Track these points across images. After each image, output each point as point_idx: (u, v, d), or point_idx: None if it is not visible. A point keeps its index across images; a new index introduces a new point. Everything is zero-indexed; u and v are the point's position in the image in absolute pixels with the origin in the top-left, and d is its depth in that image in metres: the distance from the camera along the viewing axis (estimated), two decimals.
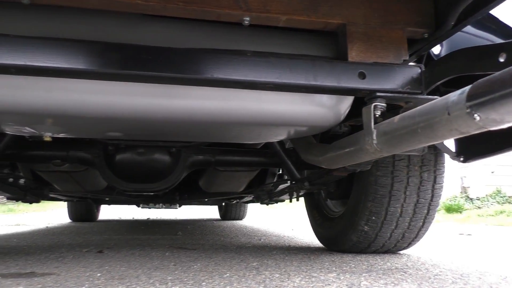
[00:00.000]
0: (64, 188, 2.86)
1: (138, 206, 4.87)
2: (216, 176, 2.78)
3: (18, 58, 1.06)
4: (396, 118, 1.08)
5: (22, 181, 2.50)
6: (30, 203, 2.79)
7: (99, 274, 1.45)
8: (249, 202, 4.28)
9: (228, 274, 1.46)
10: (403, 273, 1.54)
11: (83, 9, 1.19)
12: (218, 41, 1.27)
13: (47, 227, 4.42)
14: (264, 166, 2.52)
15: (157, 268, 1.60)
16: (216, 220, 6.14)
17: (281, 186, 2.82)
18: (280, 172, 3.00)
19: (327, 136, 1.86)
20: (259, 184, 2.97)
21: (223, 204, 5.43)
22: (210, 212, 8.17)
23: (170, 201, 3.92)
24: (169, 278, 1.38)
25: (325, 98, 1.37)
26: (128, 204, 4.62)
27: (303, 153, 1.85)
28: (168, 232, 3.76)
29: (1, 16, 1.16)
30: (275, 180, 2.93)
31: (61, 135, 1.50)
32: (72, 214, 5.29)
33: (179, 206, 5.15)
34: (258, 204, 4.66)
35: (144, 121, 1.35)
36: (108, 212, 6.83)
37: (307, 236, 3.38)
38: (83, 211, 5.23)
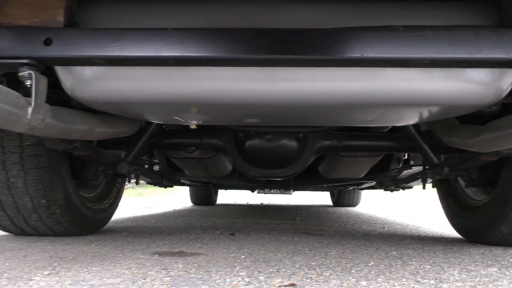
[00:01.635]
0: (193, 173, 3.05)
1: (253, 191, 5.02)
2: (337, 161, 2.72)
3: (176, 50, 1.11)
4: None
5: (156, 167, 2.72)
6: (165, 187, 3.02)
7: (243, 256, 1.50)
8: (368, 189, 4.14)
9: (372, 263, 1.40)
10: None
11: None
12: (364, 18, 1.20)
13: (174, 209, 4.80)
14: (394, 151, 2.40)
15: (295, 253, 1.61)
16: (329, 206, 6.09)
17: (405, 172, 2.66)
18: (406, 157, 2.83)
19: (466, 117, 1.67)
20: (381, 169, 2.84)
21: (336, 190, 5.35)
22: (321, 198, 8.13)
23: (285, 186, 3.97)
24: (313, 263, 1.37)
25: (484, 73, 1.22)
26: (245, 189, 4.79)
27: (446, 136, 1.69)
28: (286, 217, 3.81)
29: (158, 11, 1.23)
30: (400, 166, 2.78)
31: (204, 123, 1.57)
32: (194, 198, 5.66)
33: (293, 192, 5.20)
34: (368, 190, 4.51)
35: (284, 106, 1.35)
36: (224, 197, 7.18)
37: (434, 225, 3.16)
38: (203, 196, 5.57)
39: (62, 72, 1.30)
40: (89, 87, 1.29)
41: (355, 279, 1.12)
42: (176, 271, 1.21)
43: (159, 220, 3.22)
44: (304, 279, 1.11)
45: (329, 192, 5.96)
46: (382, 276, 1.17)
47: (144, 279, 1.09)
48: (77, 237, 1.97)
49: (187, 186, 4.37)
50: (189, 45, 1.11)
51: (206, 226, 2.72)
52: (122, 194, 2.56)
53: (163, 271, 1.20)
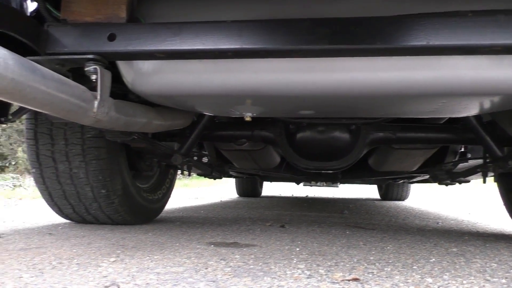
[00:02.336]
0: (242, 165, 3.08)
1: (298, 184, 4.99)
2: (389, 154, 2.65)
3: (235, 42, 1.11)
4: None
5: (205, 159, 2.76)
6: (214, 179, 3.06)
7: (298, 249, 1.49)
8: (419, 182, 4.00)
9: (433, 259, 1.35)
10: None
11: None
12: (428, 4, 1.15)
13: (221, 201, 4.86)
14: (453, 143, 2.29)
15: (349, 247, 1.58)
16: (376, 200, 5.95)
17: (461, 165, 2.54)
18: (463, 150, 2.70)
19: None
20: (436, 162, 2.73)
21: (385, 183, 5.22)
22: (367, 191, 7.98)
23: (332, 179, 3.91)
24: (371, 258, 1.34)
25: None
26: (291, 181, 4.77)
27: (511, 127, 1.60)
28: (333, 211, 3.76)
29: (215, 4, 1.24)
30: (456, 159, 2.66)
31: (259, 115, 1.57)
32: (240, 190, 5.72)
33: (340, 185, 5.13)
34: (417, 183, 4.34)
35: (342, 97, 1.32)
36: (269, 189, 7.20)
37: (491, 221, 3.01)
38: (249, 188, 5.61)
39: (123, 67, 1.34)
40: (149, 81, 1.32)
41: (420, 276, 1.08)
42: (235, 261, 1.22)
43: (208, 211, 3.28)
44: (365, 274, 1.09)
45: (376, 185, 5.82)
46: (447, 274, 1.12)
47: (206, 268, 1.11)
48: (133, 226, 2.04)
49: (234, 178, 4.42)
50: (248, 37, 1.11)
51: (255, 218, 2.74)
52: (174, 185, 2.62)
53: (222, 261, 1.22)
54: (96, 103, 1.15)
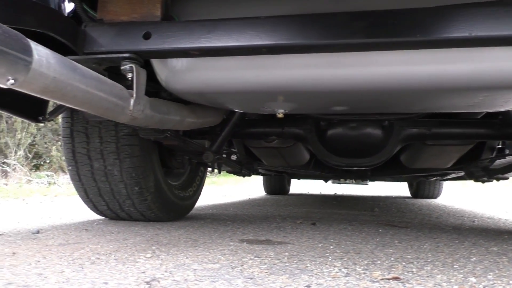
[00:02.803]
0: (271, 163, 3.07)
1: (326, 181, 4.94)
2: (422, 150, 2.58)
3: (270, 38, 1.10)
4: None
5: (234, 156, 2.77)
6: (243, 176, 3.07)
7: (331, 247, 1.48)
8: (453, 180, 3.89)
9: (474, 259, 1.31)
10: None
11: None
12: None
13: (249, 198, 4.87)
14: (491, 139, 2.22)
15: (384, 245, 1.55)
16: (407, 198, 5.83)
17: (498, 162, 2.45)
18: (500, 146, 2.61)
19: None
20: (471, 159, 2.64)
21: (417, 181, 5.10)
22: (397, 189, 7.83)
23: (362, 176, 3.85)
24: (409, 257, 1.31)
25: None
26: (319, 179, 4.72)
27: None
28: (363, 208, 3.71)
29: (248, 0, 1.23)
30: (494, 155, 2.57)
31: (291, 112, 1.56)
32: (267, 187, 5.71)
33: (369, 182, 5.05)
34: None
35: (378, 92, 1.29)
36: (296, 187, 7.17)
37: None
38: (277, 185, 5.59)
39: (157, 65, 1.35)
40: (183, 78, 1.33)
41: (462, 275, 1.05)
42: (269, 259, 1.21)
43: (237, 208, 3.29)
44: (405, 273, 1.06)
45: (407, 182, 5.70)
46: (491, 273, 1.08)
47: (241, 265, 1.11)
48: (166, 223, 2.07)
49: (262, 175, 4.41)
50: (282, 32, 1.10)
51: (285, 215, 2.73)
52: (204, 182, 2.64)
53: (257, 258, 1.22)
54: (132, 101, 1.16)
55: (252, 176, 3.34)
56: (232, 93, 1.37)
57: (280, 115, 1.51)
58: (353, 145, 2.12)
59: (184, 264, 1.11)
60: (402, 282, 0.96)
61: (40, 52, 0.82)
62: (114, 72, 1.35)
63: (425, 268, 1.14)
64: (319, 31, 1.08)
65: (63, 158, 2.06)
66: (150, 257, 1.21)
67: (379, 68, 1.20)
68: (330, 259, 1.24)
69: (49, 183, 5.74)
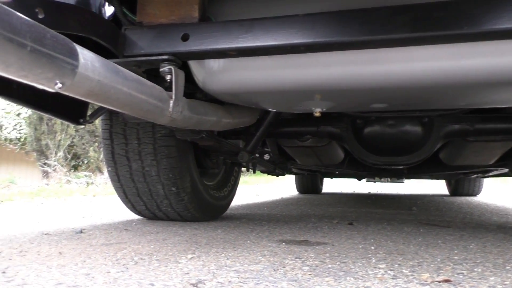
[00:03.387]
0: (305, 162, 3.04)
1: (360, 180, 4.86)
2: (463, 147, 2.49)
3: (308, 36, 1.08)
4: None
5: (267, 156, 2.75)
6: (277, 176, 3.06)
7: (373, 248, 1.44)
8: (495, 176, 3.74)
9: None
10: None
11: None
12: None
13: (281, 198, 4.86)
14: None
15: (428, 246, 1.50)
16: (445, 195, 5.66)
17: None
18: None
19: None
20: None
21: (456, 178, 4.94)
22: (433, 187, 7.62)
23: (397, 174, 3.76)
24: (456, 258, 1.26)
25: None
26: (353, 177, 4.65)
27: None
28: (400, 207, 3.62)
29: None
30: None
31: (329, 110, 1.54)
32: (300, 186, 5.67)
33: (405, 180, 4.93)
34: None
35: (422, 88, 1.25)
36: (329, 185, 7.09)
37: None
38: (309, 184, 5.55)
39: (195, 66, 1.35)
40: (220, 79, 1.33)
41: None
42: (311, 260, 1.19)
43: (271, 208, 3.28)
44: (455, 275, 1.02)
45: (445, 180, 5.53)
46: None
47: (284, 267, 1.09)
48: (202, 223, 2.08)
49: (295, 174, 4.38)
50: (321, 30, 1.08)
51: (320, 215, 2.69)
52: (238, 182, 2.64)
53: (298, 259, 1.20)
54: (171, 102, 1.17)
55: (285, 175, 3.32)
56: (269, 93, 1.36)
57: (317, 114, 1.49)
58: (391, 143, 2.06)
59: (226, 266, 1.11)
60: (454, 285, 0.92)
61: (85, 56, 0.84)
62: (152, 74, 1.37)
63: (475, 269, 1.09)
64: (360, 27, 1.05)
65: (100, 158, 2.11)
66: (191, 257, 1.21)
67: (423, 64, 1.16)
68: (373, 261, 1.20)
69: (87, 183, 5.91)
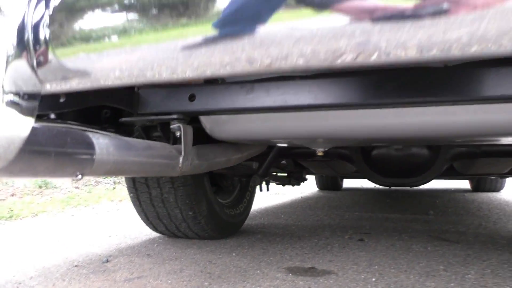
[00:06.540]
0: (320, 172, 3.13)
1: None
2: (477, 160, 2.52)
3: (304, 99, 1.17)
4: None
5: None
6: (293, 185, 3.16)
7: (373, 279, 1.53)
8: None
9: None
10: None
11: None
12: None
13: (301, 197, 4.96)
14: None
15: (428, 275, 1.58)
16: (467, 191, 5.63)
17: None
18: None
19: None
20: None
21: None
22: (454, 181, 7.53)
23: (411, 184, 3.78)
24: None
25: None
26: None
27: None
28: (417, 210, 3.66)
29: None
30: None
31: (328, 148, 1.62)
32: (320, 183, 5.76)
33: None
34: None
35: (412, 136, 1.32)
36: (350, 180, 7.11)
37: None
38: (329, 181, 5.63)
39: (203, 117, 1.46)
40: (226, 129, 1.43)
41: None
42: None
43: (288, 215, 3.39)
44: None
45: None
46: None
47: None
48: (219, 243, 2.21)
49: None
50: (317, 93, 1.16)
51: (334, 225, 2.79)
52: (254, 198, 2.75)
53: None
54: (181, 158, 1.29)
55: (300, 184, 3.41)
56: (273, 140, 1.46)
57: (320, 153, 1.58)
58: (398, 165, 2.13)
59: None
60: None
61: (100, 144, 0.96)
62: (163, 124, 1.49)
63: None
64: (352, 91, 1.13)
65: None
66: None
67: (412, 118, 1.22)
68: None
69: (114, 183, 6.14)
